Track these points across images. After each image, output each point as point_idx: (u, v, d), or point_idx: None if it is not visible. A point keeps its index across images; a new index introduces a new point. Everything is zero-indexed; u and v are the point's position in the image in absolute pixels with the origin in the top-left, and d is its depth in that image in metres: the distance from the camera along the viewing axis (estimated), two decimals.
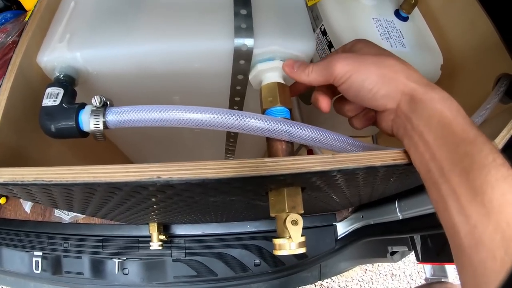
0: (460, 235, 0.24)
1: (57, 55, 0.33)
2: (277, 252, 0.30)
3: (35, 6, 0.37)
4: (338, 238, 0.90)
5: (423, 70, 0.53)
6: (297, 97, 0.79)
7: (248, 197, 0.36)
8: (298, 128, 0.30)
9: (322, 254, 0.90)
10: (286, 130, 0.30)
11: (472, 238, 0.23)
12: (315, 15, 0.57)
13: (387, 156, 0.29)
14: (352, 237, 0.87)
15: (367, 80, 0.28)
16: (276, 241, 0.31)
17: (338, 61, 0.29)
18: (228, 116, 0.28)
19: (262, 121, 0.29)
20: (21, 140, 0.33)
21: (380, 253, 0.85)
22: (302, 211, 0.31)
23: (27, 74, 0.34)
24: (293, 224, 0.29)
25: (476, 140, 0.24)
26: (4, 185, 0.26)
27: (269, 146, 0.32)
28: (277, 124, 0.29)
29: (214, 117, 0.28)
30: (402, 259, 1.28)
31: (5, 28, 0.64)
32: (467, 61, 0.51)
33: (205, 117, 0.28)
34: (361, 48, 0.32)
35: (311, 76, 0.32)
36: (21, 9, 0.77)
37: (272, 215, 0.31)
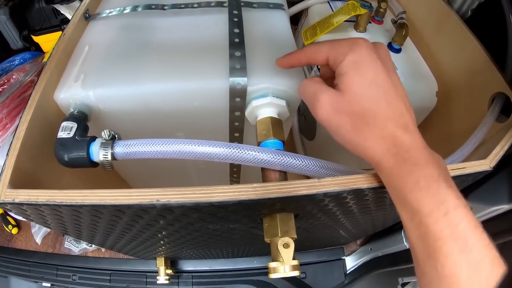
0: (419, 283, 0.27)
1: (72, 93, 0.37)
2: (272, 275, 0.31)
3: (53, 48, 0.41)
4: (348, 272, 0.89)
5: (419, 99, 0.55)
6: (300, 134, 0.82)
7: (246, 224, 0.37)
8: (289, 157, 0.32)
9: None
10: (277, 159, 0.31)
11: None
12: None
13: (374, 179, 0.30)
14: (362, 270, 0.85)
15: (340, 142, 0.29)
16: (271, 264, 0.32)
17: (320, 110, 0.29)
18: (222, 148, 0.31)
19: (255, 151, 0.31)
20: (36, 167, 0.36)
21: (390, 285, 0.83)
22: (295, 236, 0.32)
23: (45, 109, 0.37)
24: (284, 247, 0.31)
25: (432, 213, 0.24)
26: (19, 204, 0.29)
27: (263, 176, 0.34)
28: (269, 154, 0.31)
29: (210, 149, 0.31)
30: None
31: (24, 68, 0.68)
32: (460, 85, 0.51)
33: (202, 149, 0.31)
34: (350, 81, 0.27)
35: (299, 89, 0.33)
36: (39, 51, 0.83)
37: (267, 240, 0.33)
